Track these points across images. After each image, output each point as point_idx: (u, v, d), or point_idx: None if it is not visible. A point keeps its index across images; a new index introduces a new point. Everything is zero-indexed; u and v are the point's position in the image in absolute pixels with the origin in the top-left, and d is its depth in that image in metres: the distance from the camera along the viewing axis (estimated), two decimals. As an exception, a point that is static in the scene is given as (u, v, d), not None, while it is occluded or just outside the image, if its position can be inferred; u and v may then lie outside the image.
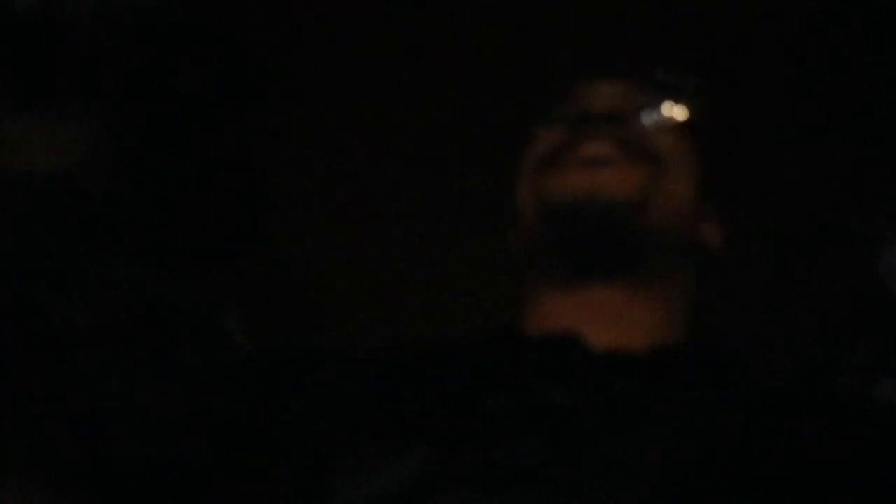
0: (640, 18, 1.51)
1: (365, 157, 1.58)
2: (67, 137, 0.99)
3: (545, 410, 0.88)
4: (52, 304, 0.90)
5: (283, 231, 1.52)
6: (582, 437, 0.85)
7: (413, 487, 0.84)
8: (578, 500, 0.81)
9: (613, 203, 0.97)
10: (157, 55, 1.12)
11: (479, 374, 0.94)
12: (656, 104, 1.03)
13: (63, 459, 0.88)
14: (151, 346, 0.93)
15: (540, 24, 1.53)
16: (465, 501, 0.83)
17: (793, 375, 1.04)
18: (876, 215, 1.26)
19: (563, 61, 1.45)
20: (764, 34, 1.49)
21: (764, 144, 1.49)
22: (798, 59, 1.49)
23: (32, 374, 0.89)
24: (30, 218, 0.93)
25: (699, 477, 0.83)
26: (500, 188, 1.08)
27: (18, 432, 0.88)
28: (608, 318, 0.97)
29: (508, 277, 1.07)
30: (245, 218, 1.45)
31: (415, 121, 1.56)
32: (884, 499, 0.84)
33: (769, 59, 1.50)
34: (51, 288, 0.90)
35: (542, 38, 1.52)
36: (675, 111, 1.04)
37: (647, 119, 1.02)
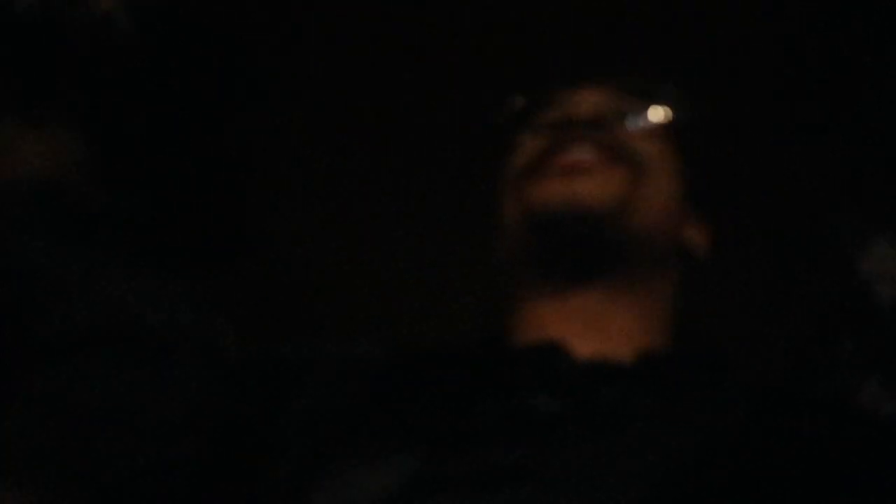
0: (641, 18, 1.51)
1: (365, 158, 1.58)
2: (65, 139, 0.99)
3: (532, 417, 0.89)
4: (50, 307, 0.90)
5: (282, 231, 1.52)
6: (568, 443, 0.86)
7: (403, 491, 0.84)
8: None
9: (593, 211, 0.97)
10: (157, 55, 1.12)
11: (468, 381, 0.95)
12: (638, 110, 1.04)
13: (60, 461, 0.88)
14: (149, 348, 0.93)
15: (529, 28, 1.53)
16: None
17: (777, 379, 1.04)
18: (860, 216, 1.27)
19: (549, 67, 1.46)
20: (744, 34, 1.50)
21: (744, 147, 1.49)
22: (778, 59, 1.49)
23: (29, 377, 0.89)
24: (24, 222, 0.93)
25: (685, 481, 0.84)
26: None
27: (16, 433, 0.88)
28: (593, 324, 0.98)
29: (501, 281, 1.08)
30: (244, 218, 1.45)
31: (414, 121, 1.56)
32: (870, 500, 0.85)
33: (745, 61, 1.51)
34: (48, 292, 0.90)
35: (531, 41, 1.52)
36: (656, 116, 1.04)
37: (628, 125, 1.03)
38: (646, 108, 1.04)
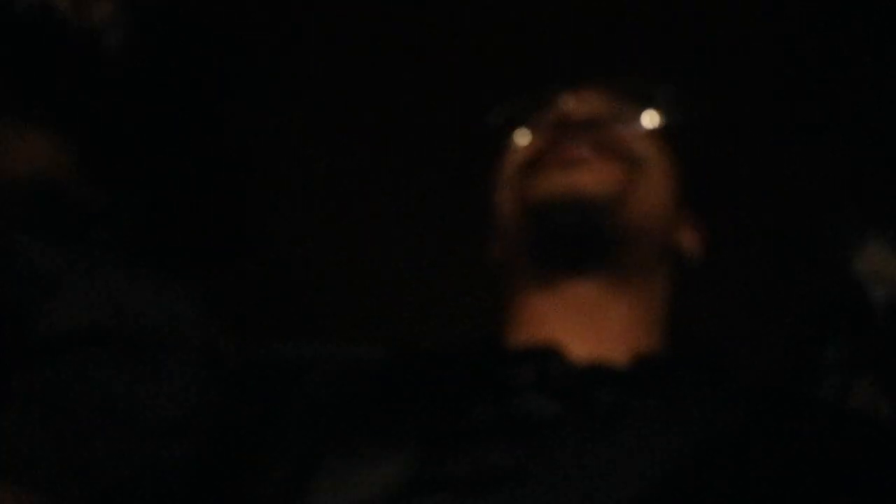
0: (640, 19, 1.51)
1: (365, 158, 1.58)
2: (64, 140, 0.99)
3: (530, 419, 0.90)
4: (50, 307, 0.90)
5: (282, 231, 1.52)
6: (565, 445, 0.87)
7: (402, 491, 0.85)
8: None
9: (591, 200, 0.99)
10: (157, 55, 1.12)
11: (466, 382, 0.96)
12: (635, 111, 1.06)
13: (59, 460, 0.89)
14: (148, 348, 0.93)
15: (529, 29, 1.53)
16: None
17: (773, 379, 1.05)
18: (856, 216, 1.27)
19: (548, 67, 1.46)
20: (742, 34, 1.50)
21: (741, 147, 1.49)
22: (776, 59, 1.49)
23: (29, 376, 0.89)
24: (24, 222, 0.93)
25: (681, 482, 0.84)
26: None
27: (16, 433, 0.88)
28: (587, 318, 1.00)
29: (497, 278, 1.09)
30: (244, 218, 1.45)
31: (414, 121, 1.56)
32: (867, 501, 0.85)
33: (742, 61, 1.51)
34: (48, 292, 0.90)
35: (530, 42, 1.52)
36: (653, 118, 1.06)
37: (625, 126, 1.05)
38: (643, 110, 1.06)
